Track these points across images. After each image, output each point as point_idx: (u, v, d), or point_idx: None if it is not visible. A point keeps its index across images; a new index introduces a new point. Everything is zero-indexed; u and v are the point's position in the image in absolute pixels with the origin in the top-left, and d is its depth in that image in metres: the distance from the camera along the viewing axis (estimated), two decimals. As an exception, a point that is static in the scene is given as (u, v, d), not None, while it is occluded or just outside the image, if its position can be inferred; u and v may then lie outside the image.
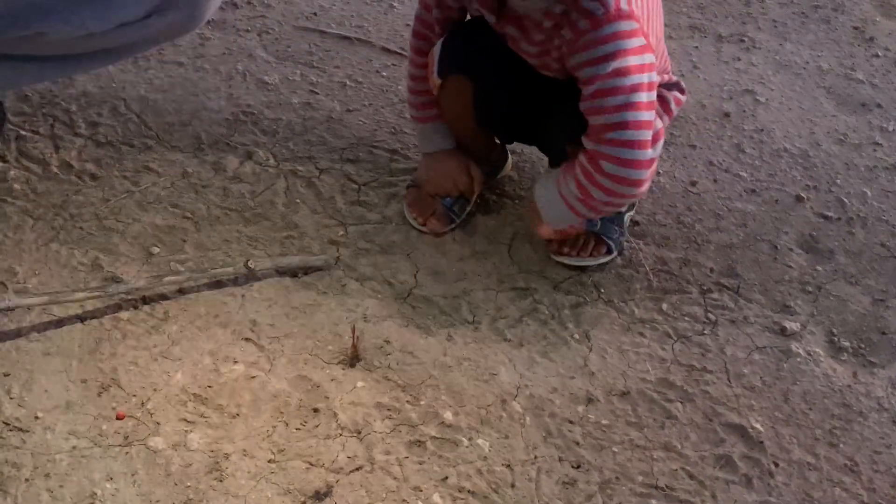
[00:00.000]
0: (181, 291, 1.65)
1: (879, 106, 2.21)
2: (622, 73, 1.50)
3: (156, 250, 1.73)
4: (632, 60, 1.50)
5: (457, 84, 1.72)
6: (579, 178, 1.59)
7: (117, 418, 1.45)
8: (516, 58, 1.67)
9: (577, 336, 1.66)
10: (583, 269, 1.77)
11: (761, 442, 1.52)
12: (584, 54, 1.51)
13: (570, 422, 1.53)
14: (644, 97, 1.51)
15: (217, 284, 1.67)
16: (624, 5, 1.49)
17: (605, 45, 1.49)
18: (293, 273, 1.71)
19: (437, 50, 1.71)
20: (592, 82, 1.51)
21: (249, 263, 1.66)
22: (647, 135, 1.53)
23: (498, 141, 1.90)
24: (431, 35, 1.74)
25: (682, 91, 1.74)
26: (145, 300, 1.63)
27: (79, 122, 1.97)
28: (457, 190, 1.81)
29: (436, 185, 1.82)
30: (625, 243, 1.82)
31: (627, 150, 1.52)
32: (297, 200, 1.86)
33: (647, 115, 1.52)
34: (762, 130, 2.13)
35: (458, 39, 1.71)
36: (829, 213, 1.94)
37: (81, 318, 1.59)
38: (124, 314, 1.61)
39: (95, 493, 1.36)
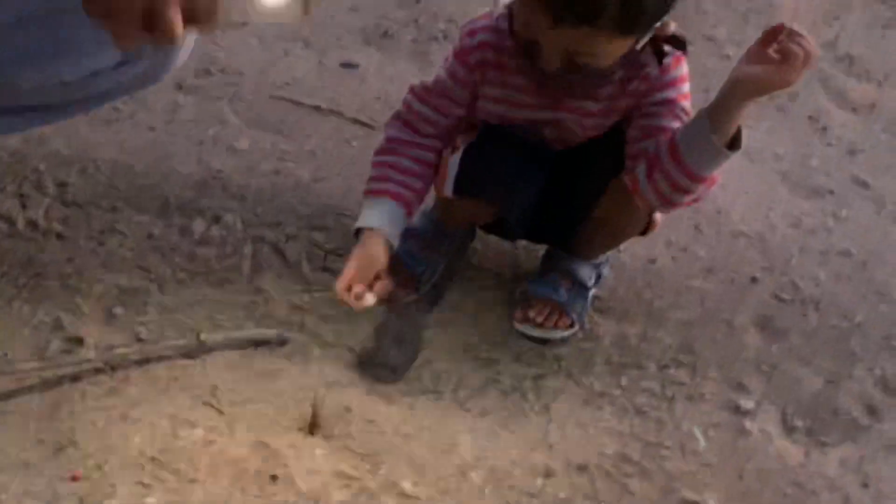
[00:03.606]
0: (142, 355, 1.64)
1: (832, 192, 2.28)
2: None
3: (118, 311, 1.73)
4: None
5: (475, 205, 1.72)
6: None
7: (73, 479, 1.43)
8: (541, 162, 1.68)
9: (537, 408, 1.68)
10: (545, 341, 1.79)
11: (716, 518, 1.54)
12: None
13: (530, 494, 1.53)
14: None
15: (177, 349, 1.67)
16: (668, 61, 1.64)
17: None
18: (253, 344, 1.70)
19: (452, 165, 1.64)
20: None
21: (202, 337, 1.66)
22: None
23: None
24: (440, 119, 1.65)
25: None
26: (106, 362, 1.62)
27: (47, 182, 1.97)
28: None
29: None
30: (586, 317, 1.85)
31: None
32: (263, 265, 1.87)
33: None
34: (720, 212, 2.18)
35: (479, 159, 1.63)
36: (784, 295, 1.99)
37: (42, 379, 1.57)
38: (84, 375, 1.60)
39: (47, 557, 1.34)
